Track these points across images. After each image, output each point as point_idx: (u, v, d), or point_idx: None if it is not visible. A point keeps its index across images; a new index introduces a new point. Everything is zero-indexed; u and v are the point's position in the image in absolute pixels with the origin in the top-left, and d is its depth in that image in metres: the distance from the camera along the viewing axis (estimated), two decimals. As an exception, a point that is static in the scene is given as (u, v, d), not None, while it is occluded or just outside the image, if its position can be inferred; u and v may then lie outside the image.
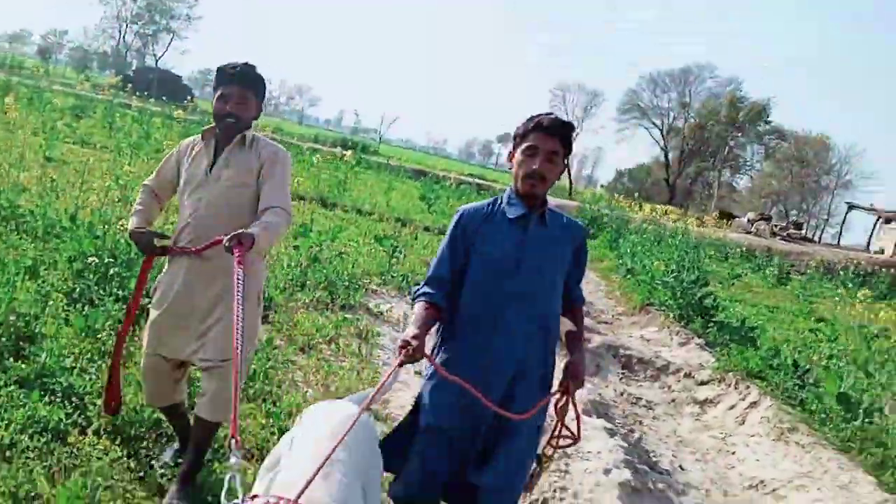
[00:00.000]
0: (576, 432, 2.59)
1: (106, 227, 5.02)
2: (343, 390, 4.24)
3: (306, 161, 15.80)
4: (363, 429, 2.15)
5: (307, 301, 5.82)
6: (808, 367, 6.18)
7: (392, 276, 7.39)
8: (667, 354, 7.43)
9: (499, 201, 2.58)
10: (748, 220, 35.74)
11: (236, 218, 2.73)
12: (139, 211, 2.95)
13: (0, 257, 4.46)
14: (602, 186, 67.02)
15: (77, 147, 12.07)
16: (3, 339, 3.47)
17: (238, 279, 2.34)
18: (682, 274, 9.17)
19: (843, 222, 46.30)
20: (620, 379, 6.69)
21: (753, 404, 5.72)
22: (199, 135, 2.94)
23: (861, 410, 5.04)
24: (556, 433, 2.57)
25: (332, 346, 5.01)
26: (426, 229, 12.07)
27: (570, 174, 55.03)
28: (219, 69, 2.86)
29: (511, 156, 2.53)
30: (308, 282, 6.14)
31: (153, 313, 2.88)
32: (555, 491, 3.50)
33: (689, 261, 9.88)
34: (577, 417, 2.61)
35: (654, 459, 4.73)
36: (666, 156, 49.33)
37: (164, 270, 2.94)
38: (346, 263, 6.53)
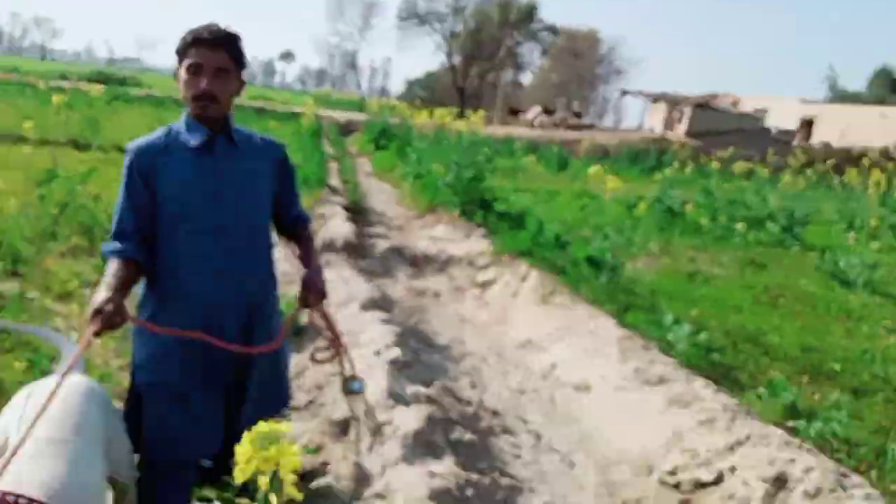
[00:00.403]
0: (335, 344, 2.56)
1: None
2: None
3: (42, 100, 14.22)
4: (90, 398, 2.02)
5: (63, 250, 5.39)
6: (567, 239, 6.84)
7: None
8: (452, 248, 7.85)
9: (173, 130, 2.29)
10: (533, 115, 37.92)
11: None
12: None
13: None
14: (395, 98, 67.25)
15: None
16: None
17: None
18: (461, 172, 9.60)
19: (618, 108, 50.71)
20: (409, 277, 7.01)
21: (524, 279, 6.27)
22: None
23: (607, 269, 5.71)
24: (316, 347, 2.53)
25: (91, 290, 4.73)
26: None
27: (360, 87, 54.48)
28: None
29: (175, 78, 2.25)
30: (60, 230, 5.66)
31: None
32: (328, 377, 3.67)
33: (468, 160, 10.36)
34: (332, 328, 2.55)
35: (434, 339, 5.08)
36: (450, 61, 50.20)
37: None
38: (102, 206, 6.08)
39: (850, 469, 3.19)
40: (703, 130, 28.42)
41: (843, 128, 28.95)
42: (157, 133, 2.29)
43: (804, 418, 3.80)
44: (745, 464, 3.18)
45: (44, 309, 4.22)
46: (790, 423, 3.74)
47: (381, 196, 11.73)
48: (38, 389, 1.99)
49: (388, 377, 3.54)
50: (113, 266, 2.16)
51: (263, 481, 1.45)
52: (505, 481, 3.22)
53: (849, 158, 26.28)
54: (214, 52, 2.16)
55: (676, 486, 3.27)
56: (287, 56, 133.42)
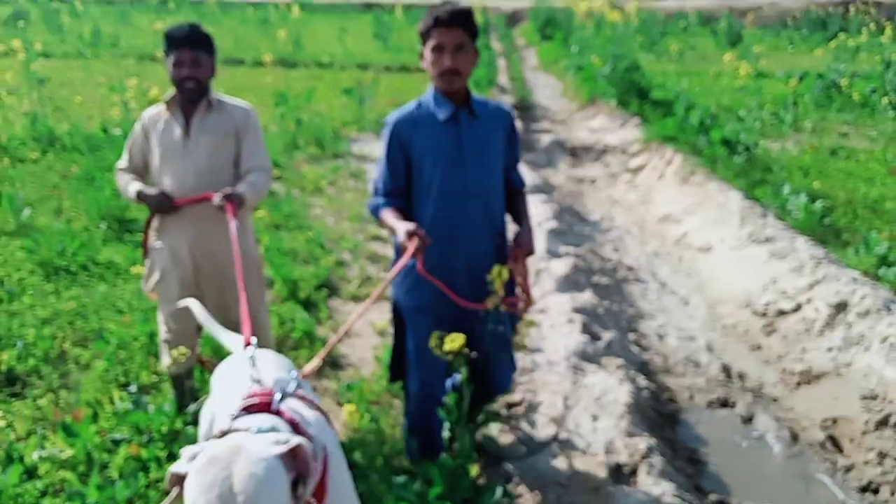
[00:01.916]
0: (529, 297, 2.68)
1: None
2: (353, 215, 5.76)
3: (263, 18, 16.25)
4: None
5: (304, 157, 7.23)
6: (710, 123, 7.61)
7: (365, 122, 8.70)
8: (609, 138, 8.87)
9: (423, 103, 2.59)
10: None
11: (221, 182, 2.84)
12: (132, 180, 2.93)
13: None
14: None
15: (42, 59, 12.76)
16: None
17: (236, 236, 2.52)
18: (618, 63, 10.35)
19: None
20: (569, 166, 8.19)
21: (669, 162, 7.24)
22: (162, 105, 2.95)
23: (742, 149, 6.54)
24: (508, 298, 2.59)
25: (334, 188, 6.49)
26: (387, 69, 13.06)
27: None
28: (166, 35, 2.88)
29: (422, 56, 2.53)
30: (299, 141, 7.52)
31: (162, 300, 2.92)
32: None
33: (626, 49, 11.01)
34: (527, 283, 2.67)
35: (587, 216, 6.35)
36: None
37: (157, 249, 2.92)
38: (324, 120, 7.83)
39: (904, 299, 4.12)
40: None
41: None
42: (410, 106, 2.61)
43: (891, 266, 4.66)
44: (819, 296, 4.22)
45: (304, 203, 5.99)
46: (879, 272, 4.63)
47: (547, 91, 12.71)
48: (230, 367, 2.06)
49: (547, 240, 4.91)
50: (388, 212, 2.51)
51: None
52: (631, 310, 4.54)
53: None
54: (452, 31, 2.43)
55: (764, 314, 4.39)
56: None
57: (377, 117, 8.80)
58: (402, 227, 2.37)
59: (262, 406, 1.56)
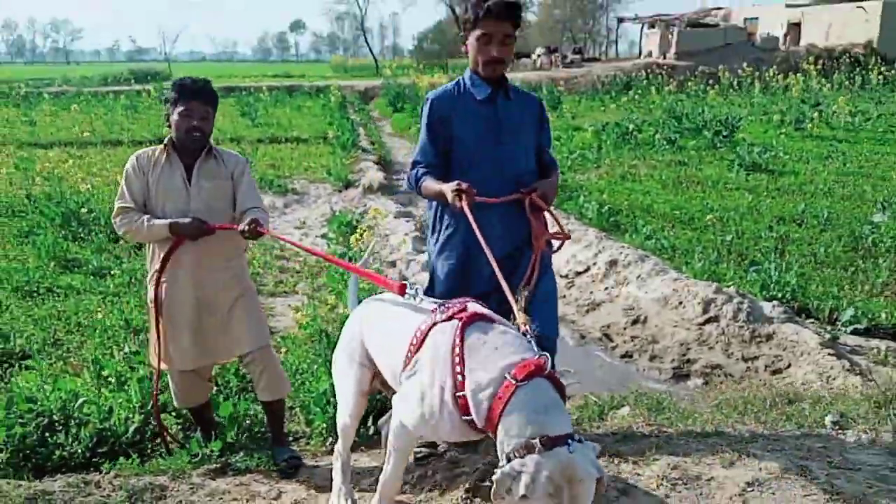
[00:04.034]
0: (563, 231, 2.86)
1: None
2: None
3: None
4: None
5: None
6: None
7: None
8: (456, 180, 10.83)
9: (462, 83, 2.75)
10: (535, 56, 39.90)
11: (219, 221, 3.01)
12: (149, 217, 2.99)
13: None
14: (409, 53, 69.19)
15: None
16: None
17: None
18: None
19: (616, 37, 52.21)
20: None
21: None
22: (157, 148, 3.08)
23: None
24: (543, 235, 2.76)
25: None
26: (258, 140, 14.50)
27: (372, 53, 56.66)
28: (180, 85, 3.01)
29: (464, 43, 2.66)
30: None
31: (170, 330, 3.06)
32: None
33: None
34: (558, 221, 2.87)
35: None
36: (453, 10, 51.99)
37: (159, 284, 3.05)
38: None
39: (656, 257, 6.12)
40: (691, 50, 30.34)
41: (828, 28, 30.62)
42: (449, 85, 2.78)
43: (652, 240, 6.72)
44: (600, 260, 6.14)
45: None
46: (644, 244, 6.66)
47: (403, 151, 14.63)
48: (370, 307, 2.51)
49: (412, 243, 6.58)
50: (429, 179, 2.66)
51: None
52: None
53: (831, 57, 28.23)
54: (502, 23, 2.56)
55: (566, 276, 6.25)
56: (297, 26, 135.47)
57: (259, 178, 10.23)
58: (448, 185, 2.49)
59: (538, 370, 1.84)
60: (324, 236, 7.45)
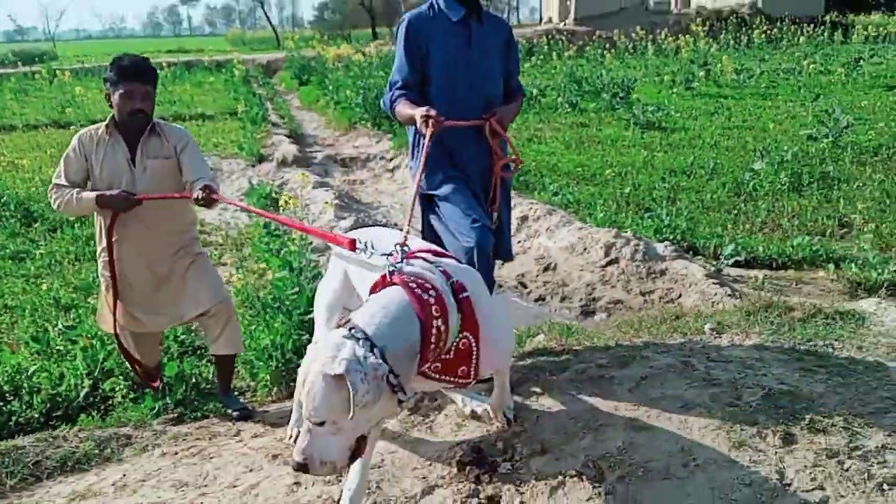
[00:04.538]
0: (518, 157, 3.11)
1: None
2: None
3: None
4: None
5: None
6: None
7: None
8: (369, 150, 11.02)
9: (435, 5, 2.88)
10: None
11: (169, 202, 3.03)
12: (80, 191, 2.99)
13: None
14: (309, 24, 67.67)
15: None
16: None
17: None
18: (367, 92, 12.63)
19: (517, 3, 52.84)
20: (342, 174, 10.18)
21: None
22: (100, 127, 3.06)
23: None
24: (501, 160, 2.95)
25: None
26: (162, 119, 14.15)
27: (272, 25, 55.21)
28: (119, 66, 2.94)
29: None
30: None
31: (125, 303, 3.12)
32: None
33: (373, 79, 13.37)
34: (510, 143, 3.06)
35: (361, 200, 8.36)
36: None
37: (103, 256, 3.10)
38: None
39: (563, 210, 6.61)
40: (589, 15, 31.30)
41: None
42: (424, 7, 2.91)
43: (558, 196, 7.20)
44: (512, 217, 6.57)
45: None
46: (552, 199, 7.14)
47: (312, 124, 14.66)
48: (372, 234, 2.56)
49: (335, 210, 6.82)
50: (404, 101, 2.80)
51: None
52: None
53: (719, 18, 29.84)
54: None
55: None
56: None
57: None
58: (419, 110, 2.64)
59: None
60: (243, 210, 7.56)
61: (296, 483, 2.32)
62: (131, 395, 3.51)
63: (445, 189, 2.93)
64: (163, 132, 3.13)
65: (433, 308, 1.93)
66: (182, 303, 3.20)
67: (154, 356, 3.45)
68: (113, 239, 3.07)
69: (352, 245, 2.38)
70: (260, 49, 39.89)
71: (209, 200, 2.89)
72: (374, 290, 2.09)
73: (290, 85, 21.93)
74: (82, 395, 3.51)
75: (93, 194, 2.96)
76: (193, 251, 3.28)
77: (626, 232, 5.68)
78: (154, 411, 3.25)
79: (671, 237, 5.77)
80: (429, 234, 3.13)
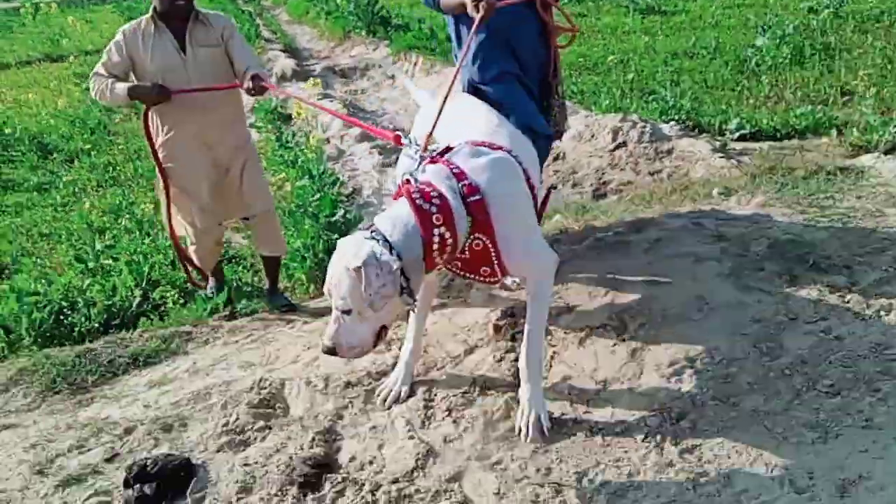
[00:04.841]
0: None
1: None
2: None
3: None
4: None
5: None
6: (437, 29, 9.94)
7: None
8: (367, 58, 10.96)
9: None
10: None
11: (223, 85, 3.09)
12: (115, 82, 3.03)
13: None
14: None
15: None
16: None
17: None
18: (360, 2, 12.39)
19: None
20: (342, 84, 10.17)
21: (414, 64, 9.48)
22: (141, 21, 3.09)
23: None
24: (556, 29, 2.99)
25: None
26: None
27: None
28: None
29: None
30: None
31: (187, 193, 3.21)
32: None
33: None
34: (564, 13, 3.10)
35: (366, 107, 8.44)
36: None
37: (165, 145, 3.17)
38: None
39: (568, 101, 6.66)
40: None
41: None
42: None
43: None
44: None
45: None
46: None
47: (305, 37, 14.43)
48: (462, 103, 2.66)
49: (339, 123, 6.93)
50: None
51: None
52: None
53: None
54: None
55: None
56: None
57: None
58: None
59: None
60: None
61: (351, 354, 2.58)
62: (181, 301, 3.77)
63: (502, 86, 2.88)
64: (207, 20, 3.14)
65: (434, 217, 1.97)
66: (238, 200, 3.34)
67: (215, 256, 3.55)
68: (167, 135, 3.15)
69: (397, 140, 2.40)
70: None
71: (260, 89, 2.96)
72: (396, 196, 2.16)
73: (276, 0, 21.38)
74: (135, 304, 3.78)
75: (125, 85, 3.03)
76: (248, 147, 3.37)
77: (632, 116, 5.78)
78: (207, 311, 3.51)
79: (677, 118, 5.86)
80: None
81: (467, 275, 2.18)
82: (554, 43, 3.01)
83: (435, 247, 1.98)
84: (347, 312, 1.93)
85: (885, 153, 3.99)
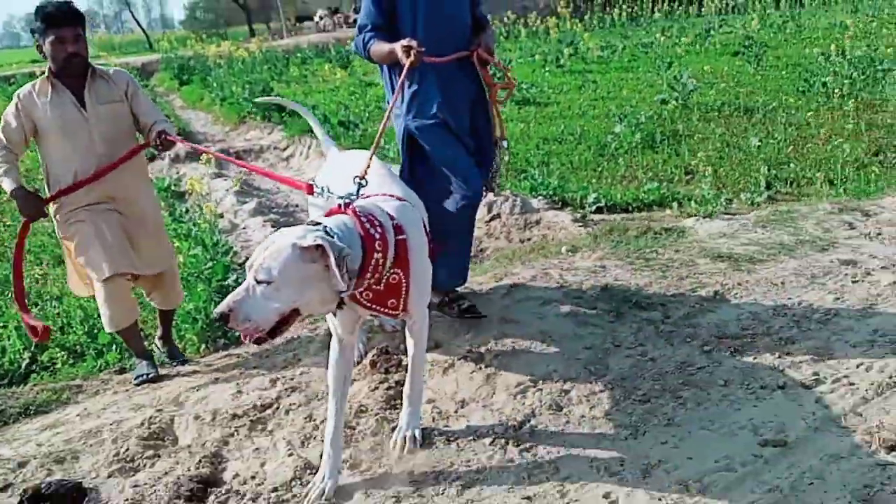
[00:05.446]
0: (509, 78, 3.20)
1: None
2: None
3: None
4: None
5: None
6: (330, 115, 10.52)
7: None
8: (262, 142, 11.34)
9: None
10: (318, 18, 39.91)
11: (124, 143, 3.06)
12: (8, 170, 2.92)
13: None
14: (180, 24, 65.42)
15: None
16: None
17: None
18: (254, 87, 12.87)
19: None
20: (237, 166, 10.45)
21: (309, 146, 9.95)
22: (37, 82, 3.03)
23: (352, 127, 9.48)
24: (495, 86, 3.05)
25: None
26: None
27: (142, 27, 53.12)
28: (43, 13, 2.87)
29: None
30: None
31: (97, 241, 3.01)
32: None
33: (258, 74, 13.60)
34: (502, 67, 3.26)
35: (260, 188, 8.74)
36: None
37: (68, 208, 3.08)
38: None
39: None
40: None
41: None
42: None
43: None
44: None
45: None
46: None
47: (200, 122, 14.69)
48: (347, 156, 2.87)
49: (236, 196, 7.21)
50: (377, 43, 2.82)
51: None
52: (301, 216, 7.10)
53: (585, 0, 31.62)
54: None
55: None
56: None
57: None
58: (398, 44, 2.63)
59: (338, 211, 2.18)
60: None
61: (238, 392, 2.84)
62: (70, 361, 3.87)
63: (433, 133, 2.94)
64: (107, 76, 3.12)
65: (377, 243, 2.08)
66: (152, 254, 3.32)
67: (131, 312, 3.27)
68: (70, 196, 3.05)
69: (309, 189, 2.52)
70: (132, 52, 38.50)
71: (167, 143, 3.03)
72: (328, 215, 2.22)
73: (170, 85, 21.55)
74: (24, 365, 3.84)
75: (11, 184, 2.94)
76: (157, 207, 3.44)
77: (505, 192, 6.41)
78: (97, 368, 3.64)
79: (545, 193, 6.55)
80: (409, 174, 3.10)
81: (373, 306, 2.27)
82: (493, 96, 3.10)
83: (370, 266, 2.08)
84: (266, 283, 1.89)
85: (704, 217, 4.72)
